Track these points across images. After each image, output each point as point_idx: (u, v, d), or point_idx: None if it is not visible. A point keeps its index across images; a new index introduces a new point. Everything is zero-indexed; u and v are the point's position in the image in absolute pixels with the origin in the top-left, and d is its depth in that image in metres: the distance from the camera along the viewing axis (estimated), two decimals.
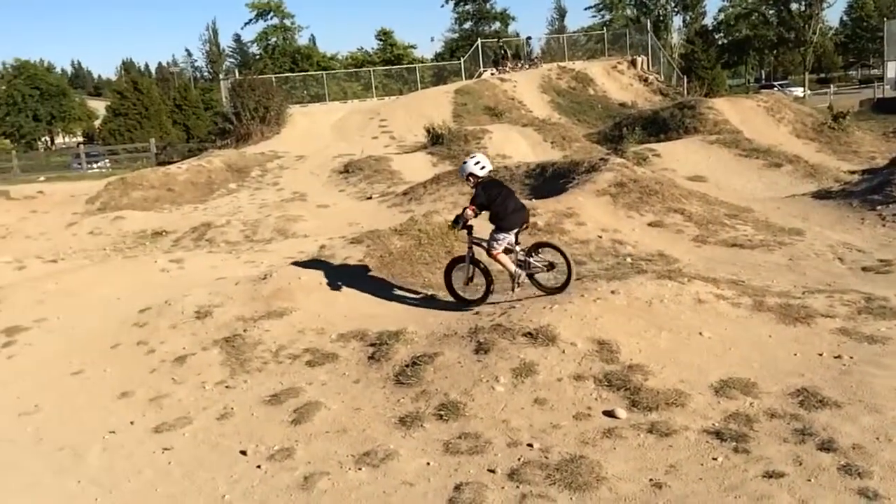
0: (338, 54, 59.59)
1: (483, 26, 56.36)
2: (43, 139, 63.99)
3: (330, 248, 10.68)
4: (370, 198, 18.65)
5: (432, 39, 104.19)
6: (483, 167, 7.66)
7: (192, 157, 28.26)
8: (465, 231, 7.86)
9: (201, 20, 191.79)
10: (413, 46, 59.13)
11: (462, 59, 37.23)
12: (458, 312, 7.86)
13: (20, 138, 59.01)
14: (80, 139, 64.26)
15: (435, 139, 23.35)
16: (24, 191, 22.53)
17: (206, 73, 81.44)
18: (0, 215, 19.54)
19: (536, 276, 7.80)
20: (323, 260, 9.87)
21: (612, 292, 7.29)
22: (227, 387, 7.04)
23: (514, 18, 58.91)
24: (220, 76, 56.30)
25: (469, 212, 7.55)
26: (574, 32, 49.98)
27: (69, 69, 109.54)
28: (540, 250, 7.81)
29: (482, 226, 8.02)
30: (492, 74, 33.91)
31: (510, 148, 21.97)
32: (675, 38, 55.89)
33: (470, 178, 7.71)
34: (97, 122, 60.01)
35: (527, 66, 35.28)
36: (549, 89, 32.06)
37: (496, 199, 7.59)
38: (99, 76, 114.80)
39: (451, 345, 6.89)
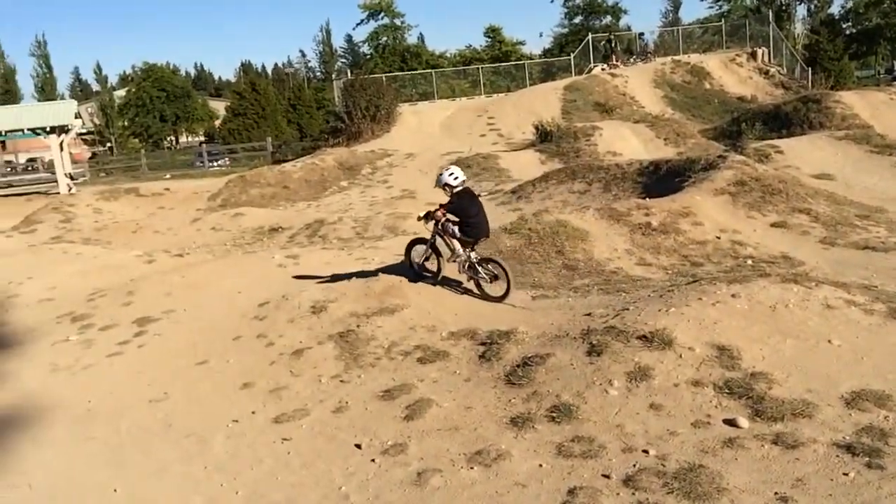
0: (446, 52, 59.92)
1: (593, 20, 55.22)
2: (168, 138, 67.53)
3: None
4: (478, 195, 18.67)
5: (541, 35, 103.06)
6: (457, 178, 8.63)
7: (305, 155, 29.14)
8: (433, 221, 8.80)
9: (315, 22, 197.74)
10: (521, 43, 58.55)
11: (571, 55, 36.72)
12: (570, 314, 7.76)
13: (148, 138, 62.51)
14: (202, 138, 67.42)
15: (543, 136, 23.16)
16: (152, 188, 23.95)
17: (318, 73, 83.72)
18: (131, 211, 20.86)
19: (482, 284, 8.71)
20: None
21: (733, 296, 7.01)
22: (341, 381, 7.21)
23: (625, 12, 57.35)
24: (333, 76, 57.81)
25: (439, 213, 8.62)
26: (689, 25, 48.25)
27: (193, 71, 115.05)
28: (489, 264, 8.69)
29: None
30: (602, 70, 33.28)
31: (621, 145, 21.53)
32: (799, 29, 53.00)
33: (445, 187, 8.65)
34: (217, 122, 62.80)
35: (639, 61, 34.42)
36: (663, 84, 31.17)
37: (468, 209, 8.64)
38: (219, 78, 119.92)
39: (563, 346, 6.81)
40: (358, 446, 6.00)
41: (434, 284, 8.86)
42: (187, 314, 9.47)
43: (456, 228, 8.65)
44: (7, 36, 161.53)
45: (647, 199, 12.30)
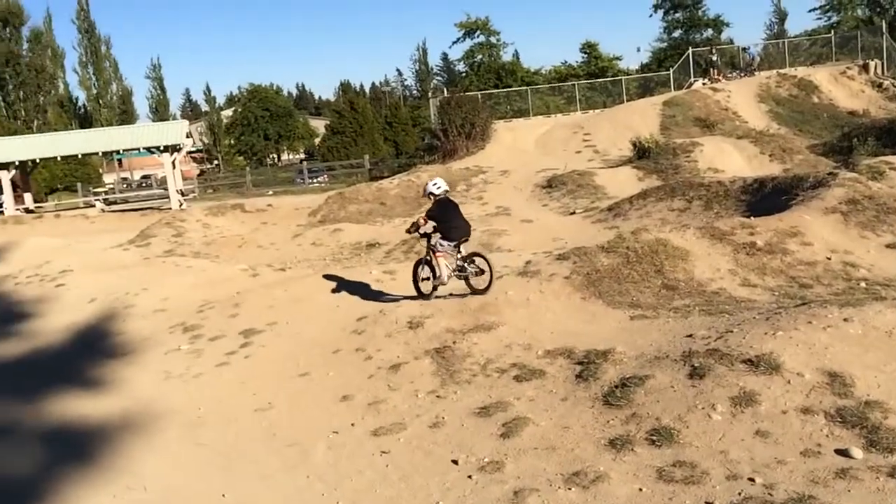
0: (541, 69, 59.61)
1: (694, 34, 53.87)
2: (271, 156, 70.09)
3: (535, 263, 10.73)
4: (574, 213, 18.54)
5: (638, 50, 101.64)
6: (440, 187, 9.57)
7: (401, 172, 29.64)
8: (425, 239, 9.68)
9: (412, 41, 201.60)
10: (618, 58, 57.57)
11: (671, 70, 36.00)
12: (670, 335, 7.59)
13: (252, 155, 65.13)
14: (302, 156, 69.68)
15: (641, 153, 22.74)
16: (256, 204, 24.87)
17: (415, 92, 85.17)
18: (237, 226, 21.70)
19: (470, 279, 9.43)
20: (527, 275, 9.95)
21: (845, 320, 6.71)
22: (438, 396, 7.29)
23: (727, 24, 55.54)
24: (429, 94, 58.60)
25: (421, 220, 9.60)
26: (796, 37, 46.46)
27: (294, 91, 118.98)
28: (475, 259, 9.46)
29: None
30: (703, 84, 32.45)
31: (723, 161, 20.92)
32: None
33: (430, 195, 9.61)
34: (317, 140, 64.77)
35: (742, 75, 33.39)
36: (768, 98, 30.07)
37: (446, 213, 9.49)
38: (320, 97, 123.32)
39: (663, 368, 6.67)
40: (455, 462, 6.05)
41: (427, 299, 9.57)
42: (289, 327, 9.79)
43: (440, 237, 9.46)
44: (126, 60, 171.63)
45: (752, 217, 11.91)
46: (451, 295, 9.57)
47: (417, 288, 9.85)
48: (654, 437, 5.77)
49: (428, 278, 9.68)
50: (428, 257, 9.67)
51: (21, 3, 51.72)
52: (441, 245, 9.44)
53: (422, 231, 9.60)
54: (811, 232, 10.84)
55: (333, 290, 10.89)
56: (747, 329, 6.96)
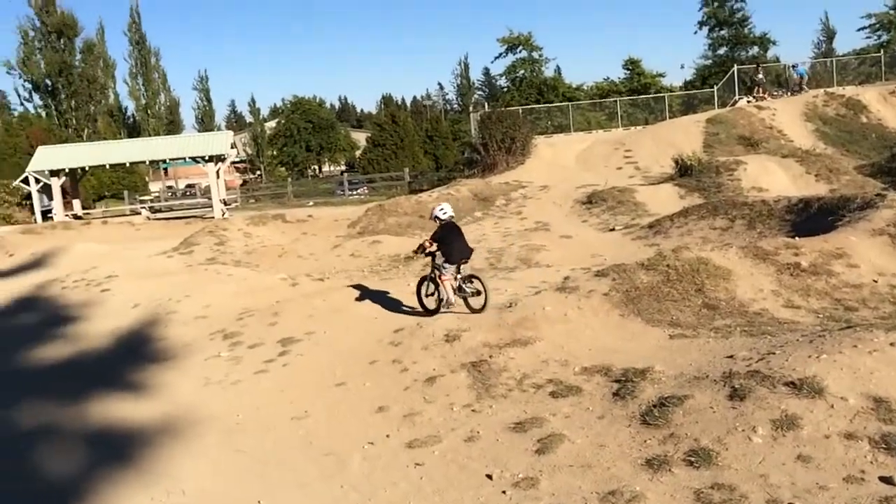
0: (583, 84, 59.32)
1: (739, 52, 53.17)
2: (312, 167, 70.85)
3: (574, 279, 10.67)
4: (613, 229, 18.41)
5: (682, 67, 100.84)
6: (445, 212, 10.24)
7: (441, 185, 29.76)
8: (430, 257, 10.23)
9: (454, 56, 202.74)
10: (661, 75, 56.98)
11: (715, 87, 35.63)
12: (710, 355, 7.49)
13: (294, 167, 65.94)
14: (343, 168, 70.30)
15: (683, 170, 22.50)
16: (296, 214, 25.15)
17: (455, 106, 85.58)
18: (278, 236, 21.95)
19: (468, 298, 9.91)
20: (565, 291, 9.90)
21: (892, 344, 6.55)
22: (473, 410, 7.29)
23: (774, 42, 54.71)
24: (470, 108, 58.78)
25: (426, 242, 10.22)
26: (844, 55, 45.65)
27: (337, 104, 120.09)
28: (473, 280, 9.99)
29: None
30: (748, 102, 32.05)
31: (767, 180, 20.59)
32: None
33: (436, 219, 10.24)
34: (358, 152, 65.32)
35: (787, 93, 32.91)
36: (814, 117, 29.58)
37: (448, 236, 10.09)
38: (361, 110, 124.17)
39: (703, 388, 6.58)
40: (489, 477, 6.03)
41: (431, 315, 9.96)
42: (327, 336, 9.88)
43: (443, 259, 9.95)
44: (174, 71, 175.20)
45: (796, 238, 11.71)
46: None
47: (421, 303, 10.32)
48: (693, 459, 5.69)
49: (432, 294, 10.18)
50: (433, 275, 10.16)
51: (75, 16, 53.25)
52: (444, 267, 9.93)
53: (427, 251, 10.18)
54: (857, 254, 10.61)
55: (371, 302, 10.98)
56: (790, 351, 6.83)
